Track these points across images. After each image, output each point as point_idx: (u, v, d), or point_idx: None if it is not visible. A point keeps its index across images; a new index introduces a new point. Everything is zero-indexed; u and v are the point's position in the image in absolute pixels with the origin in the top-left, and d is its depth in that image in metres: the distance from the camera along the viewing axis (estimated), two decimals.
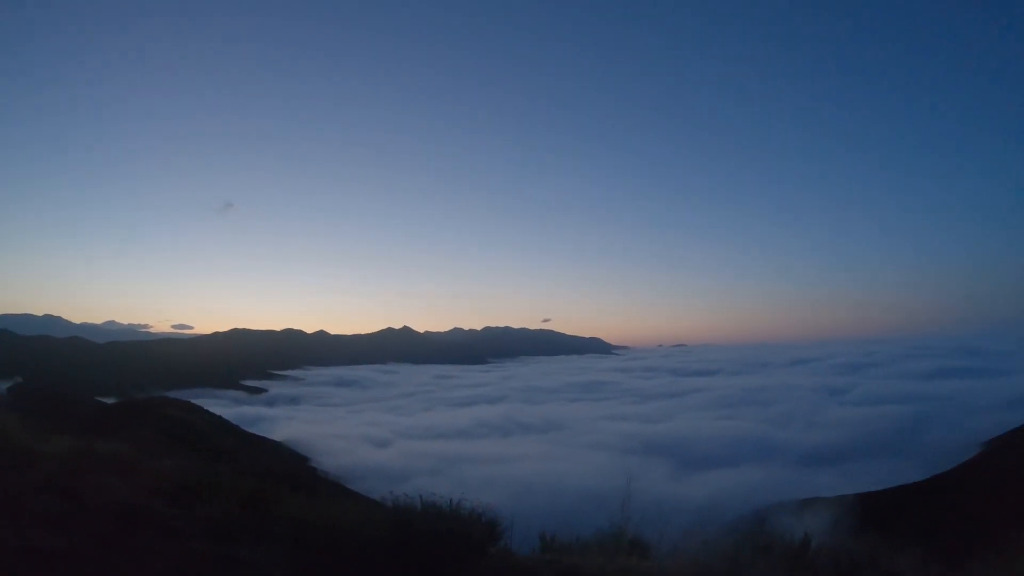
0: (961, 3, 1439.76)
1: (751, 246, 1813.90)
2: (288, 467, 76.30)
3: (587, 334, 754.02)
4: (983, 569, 6.90)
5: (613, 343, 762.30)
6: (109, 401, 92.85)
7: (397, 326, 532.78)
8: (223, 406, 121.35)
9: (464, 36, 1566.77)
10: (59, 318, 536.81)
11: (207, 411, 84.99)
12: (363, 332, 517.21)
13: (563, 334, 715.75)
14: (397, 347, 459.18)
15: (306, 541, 6.80)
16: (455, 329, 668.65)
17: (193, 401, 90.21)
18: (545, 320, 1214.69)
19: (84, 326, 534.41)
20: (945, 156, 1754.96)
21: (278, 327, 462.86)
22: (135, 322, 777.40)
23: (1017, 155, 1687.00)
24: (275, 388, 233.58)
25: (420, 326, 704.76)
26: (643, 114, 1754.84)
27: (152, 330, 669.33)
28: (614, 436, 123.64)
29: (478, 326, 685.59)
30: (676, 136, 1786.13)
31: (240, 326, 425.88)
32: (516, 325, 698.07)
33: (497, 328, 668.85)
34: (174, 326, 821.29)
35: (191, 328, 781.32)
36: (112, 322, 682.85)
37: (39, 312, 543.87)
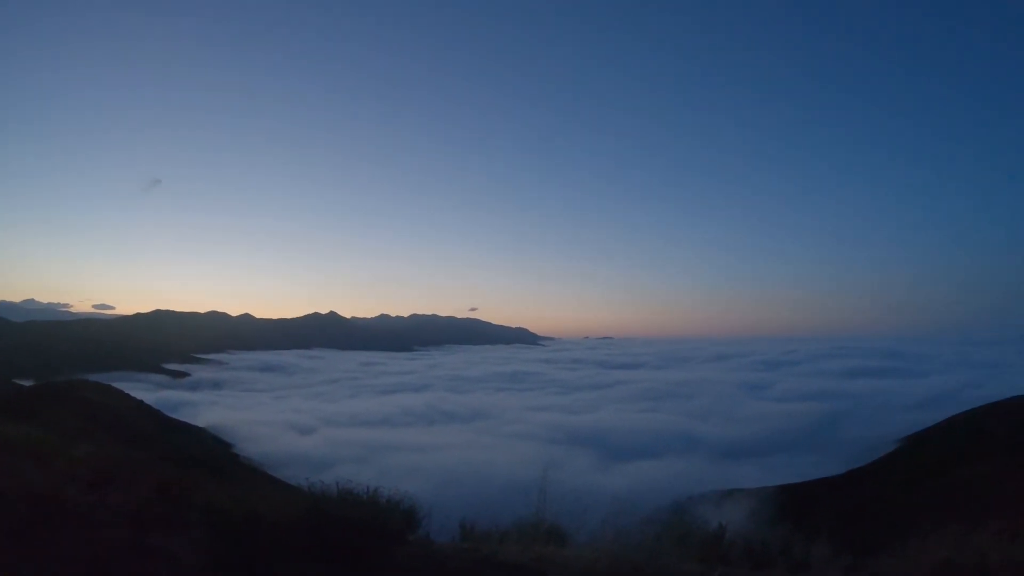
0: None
1: (678, 244, 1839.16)
2: (211, 453, 75.31)
3: (514, 324, 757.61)
4: (892, 560, 7.07)
5: (539, 334, 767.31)
6: (26, 383, 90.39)
7: (323, 311, 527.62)
8: (145, 390, 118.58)
9: (400, 15, 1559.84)
10: None
11: (128, 395, 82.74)
12: (288, 316, 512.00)
13: (490, 323, 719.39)
14: (323, 332, 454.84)
15: (223, 528, 6.71)
16: (382, 315, 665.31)
17: (114, 385, 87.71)
18: (472, 309, 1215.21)
19: (1, 304, 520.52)
20: (870, 161, 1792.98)
21: (202, 309, 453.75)
22: (55, 301, 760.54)
23: (939, 163, 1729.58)
24: (198, 372, 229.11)
25: (346, 311, 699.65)
26: (568, 106, 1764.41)
27: (72, 310, 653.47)
28: (539, 426, 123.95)
29: (405, 313, 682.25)
30: (602, 129, 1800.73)
31: (163, 307, 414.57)
32: (443, 313, 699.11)
33: (424, 316, 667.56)
34: (95, 306, 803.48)
35: (113, 308, 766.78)
36: (31, 300, 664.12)
37: None
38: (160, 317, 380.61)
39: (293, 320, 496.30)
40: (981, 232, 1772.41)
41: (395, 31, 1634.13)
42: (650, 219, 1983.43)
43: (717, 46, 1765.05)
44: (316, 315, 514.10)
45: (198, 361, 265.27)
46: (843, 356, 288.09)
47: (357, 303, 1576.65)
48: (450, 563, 7.00)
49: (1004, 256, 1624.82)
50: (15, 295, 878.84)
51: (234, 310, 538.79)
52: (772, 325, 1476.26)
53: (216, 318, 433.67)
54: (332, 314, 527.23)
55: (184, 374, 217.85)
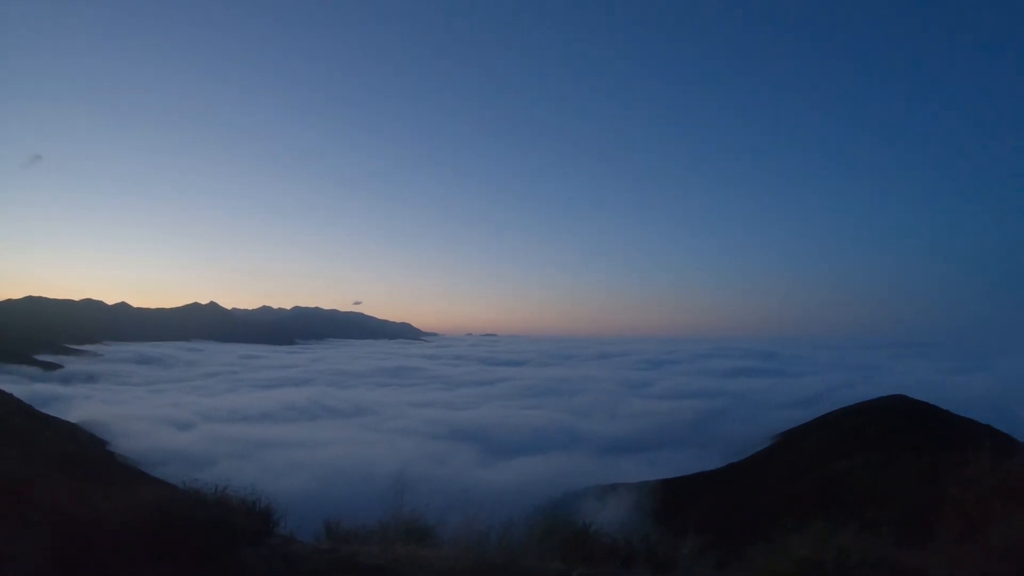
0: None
1: (562, 244, 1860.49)
2: (84, 451, 73.06)
3: (398, 319, 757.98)
4: (758, 557, 7.16)
5: (423, 329, 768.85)
6: None
7: (203, 301, 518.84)
8: (14, 383, 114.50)
9: None
10: None
11: None
12: (167, 306, 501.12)
13: (374, 318, 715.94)
14: (203, 324, 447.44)
15: (66, 529, 6.29)
16: (264, 307, 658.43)
17: None
18: (356, 303, 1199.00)
19: None
20: (746, 167, 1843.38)
21: (77, 297, 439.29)
22: None
23: (813, 170, 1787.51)
24: (72, 364, 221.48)
25: (227, 302, 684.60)
26: (452, 100, 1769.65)
27: None
28: (421, 422, 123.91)
29: (287, 305, 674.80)
30: (487, 127, 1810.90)
31: (35, 294, 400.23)
32: (327, 306, 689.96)
33: (307, 308, 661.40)
34: None
35: None
36: None
37: None
38: (32, 304, 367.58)
39: (172, 310, 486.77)
40: (855, 242, 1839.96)
41: (275, 14, 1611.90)
42: (534, 218, 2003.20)
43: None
44: (196, 305, 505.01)
45: (72, 352, 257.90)
46: (722, 356, 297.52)
47: (238, 294, 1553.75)
48: (304, 565, 6.81)
49: (876, 265, 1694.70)
50: None
51: (111, 298, 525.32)
52: (654, 325, 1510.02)
53: (91, 307, 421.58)
54: (212, 305, 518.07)
55: (57, 366, 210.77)
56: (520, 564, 6.98)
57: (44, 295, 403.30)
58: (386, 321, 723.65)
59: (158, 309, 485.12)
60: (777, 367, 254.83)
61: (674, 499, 55.31)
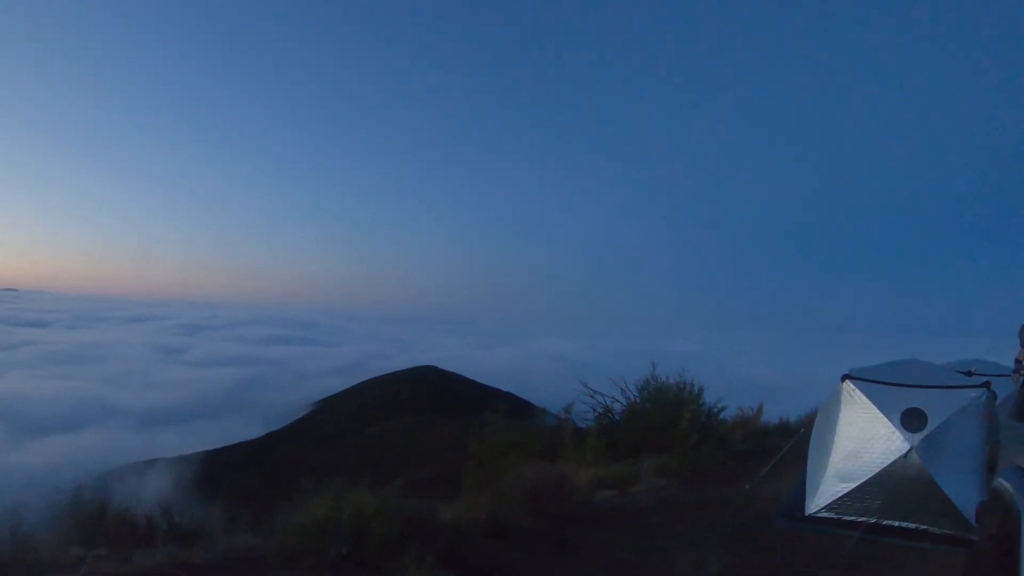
0: None
1: (95, 194, 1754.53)
2: None
3: None
4: (286, 515, 8.11)
5: None
6: None
7: None
8: None
9: None
10: None
11: None
12: None
13: None
14: None
15: None
16: None
17: None
18: None
19: None
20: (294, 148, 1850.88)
21: None
22: None
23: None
24: None
25: None
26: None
27: None
28: None
29: None
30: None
31: None
32: None
33: None
34: None
35: None
36: None
37: None
38: None
39: None
40: (391, 225, 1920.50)
41: None
42: (56, 157, 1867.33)
43: None
44: None
45: None
46: (260, 324, 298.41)
47: None
48: None
49: (412, 247, 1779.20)
50: None
51: None
52: (192, 289, 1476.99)
53: None
54: None
55: None
56: (35, 556, 6.69)
57: None
58: None
59: None
60: (314, 336, 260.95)
61: (217, 470, 55.83)
